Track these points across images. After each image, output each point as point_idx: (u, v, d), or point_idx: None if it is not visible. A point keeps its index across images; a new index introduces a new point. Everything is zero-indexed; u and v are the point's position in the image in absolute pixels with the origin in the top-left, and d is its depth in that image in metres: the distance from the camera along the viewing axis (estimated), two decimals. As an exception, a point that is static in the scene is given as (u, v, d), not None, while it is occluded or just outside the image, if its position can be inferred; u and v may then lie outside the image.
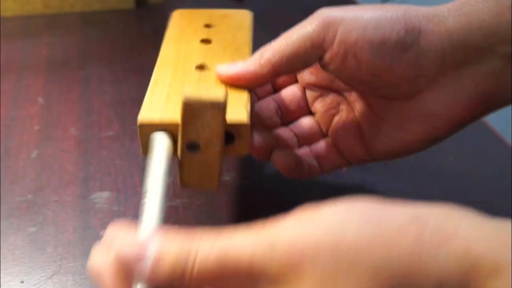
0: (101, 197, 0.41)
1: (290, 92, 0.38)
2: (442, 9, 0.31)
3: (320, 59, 0.32)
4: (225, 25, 0.40)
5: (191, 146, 0.29)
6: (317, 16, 0.32)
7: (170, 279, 0.22)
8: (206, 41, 0.38)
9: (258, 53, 0.33)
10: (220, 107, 0.28)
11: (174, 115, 0.30)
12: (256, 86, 0.34)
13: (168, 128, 0.30)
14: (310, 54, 0.31)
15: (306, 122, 0.38)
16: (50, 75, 0.57)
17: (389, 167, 0.43)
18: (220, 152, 0.29)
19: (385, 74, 0.31)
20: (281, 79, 0.38)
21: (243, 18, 0.41)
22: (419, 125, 0.32)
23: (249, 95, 0.33)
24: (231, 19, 0.41)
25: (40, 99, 0.53)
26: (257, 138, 0.34)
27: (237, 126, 0.30)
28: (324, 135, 0.37)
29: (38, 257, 0.35)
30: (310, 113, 0.38)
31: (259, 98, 0.38)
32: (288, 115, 0.38)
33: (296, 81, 0.39)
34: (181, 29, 0.40)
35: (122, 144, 0.46)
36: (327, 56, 0.31)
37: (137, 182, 0.42)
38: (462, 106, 0.31)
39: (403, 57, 0.30)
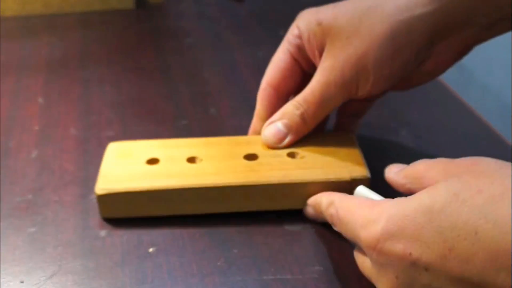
0: (101, 197, 0.40)
1: None
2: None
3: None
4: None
5: None
6: (345, 62, 0.37)
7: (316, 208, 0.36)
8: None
9: (299, 112, 0.39)
10: None
11: None
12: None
13: None
14: (346, 99, 0.39)
15: None
16: (50, 75, 0.57)
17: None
18: None
19: (402, 71, 0.38)
20: None
21: None
22: (424, 77, 0.40)
23: None
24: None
25: (40, 99, 0.53)
26: None
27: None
28: None
29: (38, 257, 0.35)
30: None
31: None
32: None
33: None
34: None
35: (122, 144, 0.46)
36: (360, 92, 0.38)
37: (137, 182, 0.42)
38: (453, 56, 0.38)
39: (408, 53, 0.37)
